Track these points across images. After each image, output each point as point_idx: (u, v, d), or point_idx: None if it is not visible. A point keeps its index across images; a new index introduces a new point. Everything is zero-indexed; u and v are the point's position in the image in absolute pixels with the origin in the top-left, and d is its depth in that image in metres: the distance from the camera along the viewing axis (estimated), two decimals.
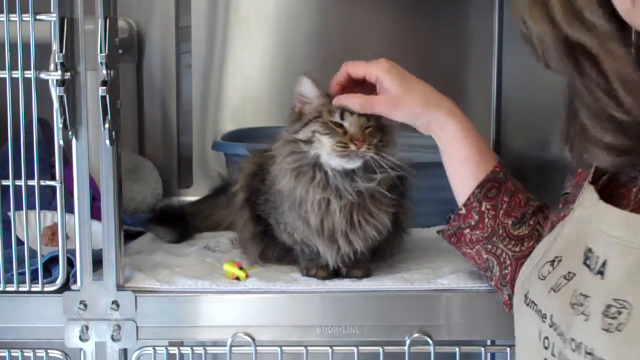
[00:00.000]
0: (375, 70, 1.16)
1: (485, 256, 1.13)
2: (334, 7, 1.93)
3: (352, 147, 1.14)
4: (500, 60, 1.93)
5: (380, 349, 1.22)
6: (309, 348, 1.22)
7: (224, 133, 1.79)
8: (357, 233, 1.20)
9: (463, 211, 1.14)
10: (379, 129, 1.19)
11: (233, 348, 1.19)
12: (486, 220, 1.12)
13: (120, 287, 1.19)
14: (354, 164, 1.16)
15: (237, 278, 1.25)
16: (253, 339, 1.19)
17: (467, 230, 1.14)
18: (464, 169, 1.14)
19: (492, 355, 1.71)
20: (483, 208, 1.12)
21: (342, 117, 1.16)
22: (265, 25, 1.93)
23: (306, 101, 1.21)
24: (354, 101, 1.16)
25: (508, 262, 1.11)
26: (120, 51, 1.17)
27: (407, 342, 1.19)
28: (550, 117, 1.59)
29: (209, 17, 1.91)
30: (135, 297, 1.19)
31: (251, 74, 1.92)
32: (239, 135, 1.75)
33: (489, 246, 1.13)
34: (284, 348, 1.21)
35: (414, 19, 1.93)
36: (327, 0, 1.93)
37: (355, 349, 1.22)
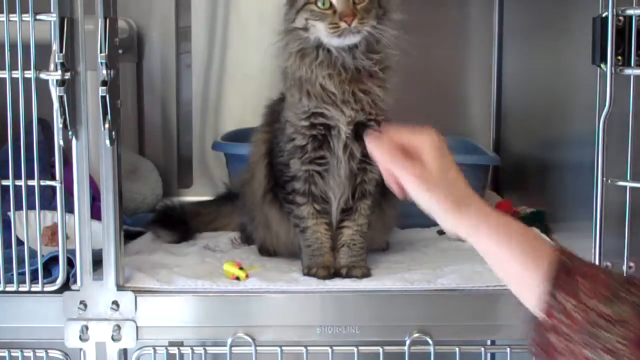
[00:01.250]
0: (421, 141, 1.00)
1: (591, 355, 0.87)
2: None
3: (343, 24, 1.18)
4: (500, 60, 1.93)
5: (380, 349, 1.21)
6: (309, 348, 1.22)
7: (224, 133, 1.79)
8: (356, 101, 1.25)
9: (542, 318, 0.90)
10: (376, 3, 1.22)
11: (233, 348, 1.19)
12: (576, 315, 0.88)
13: (120, 287, 1.19)
14: (352, 39, 1.21)
15: (237, 278, 1.25)
16: (253, 339, 1.19)
17: (554, 337, 0.90)
18: (515, 269, 0.94)
19: (492, 355, 1.72)
20: (568, 307, 0.89)
21: None
22: (265, 25, 1.92)
23: None
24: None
25: (620, 347, 0.86)
26: (120, 51, 1.17)
27: (407, 342, 1.19)
28: (550, 117, 1.59)
29: (209, 17, 1.91)
30: (135, 297, 1.19)
31: (251, 74, 1.92)
32: (239, 135, 1.74)
33: (592, 340, 0.88)
34: (284, 348, 1.21)
35: (413, 19, 1.93)
36: None
37: (355, 349, 1.22)
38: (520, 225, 0.96)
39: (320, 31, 1.21)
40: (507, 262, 0.94)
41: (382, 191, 1.28)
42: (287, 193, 1.30)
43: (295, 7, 1.24)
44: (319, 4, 1.20)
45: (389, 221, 1.41)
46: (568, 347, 0.89)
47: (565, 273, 0.91)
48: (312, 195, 1.29)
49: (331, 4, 1.19)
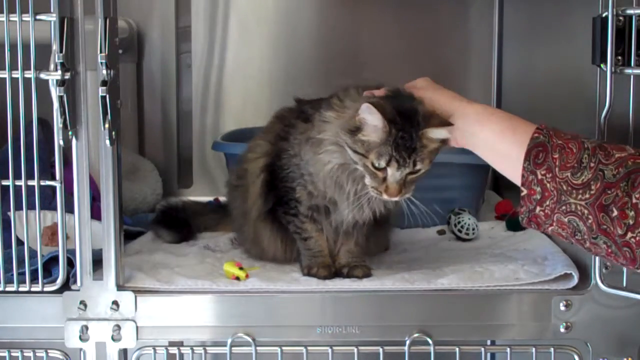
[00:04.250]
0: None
1: (566, 219, 1.06)
2: (334, 7, 1.93)
3: (385, 196, 1.15)
4: (500, 60, 1.93)
5: (380, 349, 1.21)
6: (309, 348, 1.21)
7: (224, 133, 1.79)
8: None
9: (524, 191, 1.09)
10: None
11: (233, 348, 1.19)
12: (548, 185, 1.06)
13: (120, 287, 1.19)
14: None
15: (237, 278, 1.25)
16: (253, 339, 1.19)
17: (538, 208, 1.08)
18: (504, 152, 1.12)
19: (492, 355, 1.72)
20: (540, 176, 1.07)
21: (388, 163, 1.13)
22: (265, 25, 1.93)
23: (365, 126, 1.15)
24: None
25: (586, 212, 1.03)
26: (120, 51, 1.17)
27: (407, 342, 1.19)
28: (550, 117, 1.59)
29: (209, 17, 1.91)
30: (135, 297, 1.19)
31: (251, 74, 1.92)
32: (239, 135, 1.74)
33: (564, 207, 1.06)
34: (284, 348, 1.21)
35: (414, 19, 1.93)
36: (327, 0, 1.93)
37: (355, 349, 1.22)
38: (504, 114, 1.15)
39: (365, 179, 1.17)
40: (494, 150, 1.13)
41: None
42: (290, 208, 1.29)
43: (356, 140, 1.15)
44: (375, 163, 1.14)
45: (387, 230, 1.41)
46: (550, 215, 1.07)
47: (541, 149, 1.07)
48: (315, 219, 1.29)
49: (385, 174, 1.15)
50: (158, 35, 1.90)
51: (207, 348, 1.23)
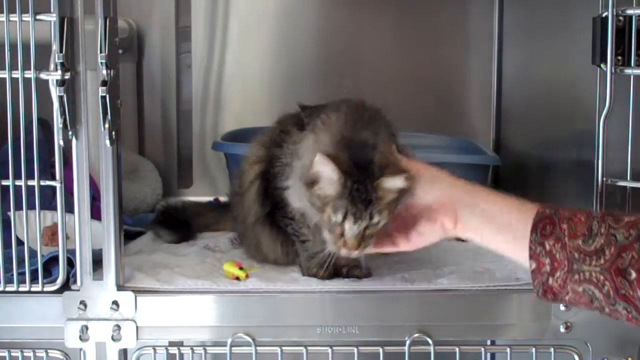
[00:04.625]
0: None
1: (580, 289, 1.02)
2: (334, 7, 1.93)
3: (344, 252, 1.12)
4: (500, 60, 1.93)
5: (380, 349, 1.21)
6: (309, 348, 1.21)
7: (224, 133, 1.79)
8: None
9: (533, 265, 1.04)
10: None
11: (233, 348, 1.19)
12: (557, 255, 1.03)
13: (120, 287, 1.19)
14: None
15: (237, 278, 1.25)
16: (253, 339, 1.19)
17: (551, 279, 1.04)
18: (511, 238, 1.08)
19: (492, 355, 1.72)
20: (548, 247, 1.03)
21: (344, 217, 1.09)
22: (265, 25, 1.93)
23: (321, 179, 1.11)
24: None
25: (602, 278, 0.99)
26: (120, 51, 1.17)
27: (407, 342, 1.19)
28: (550, 117, 1.59)
29: (209, 17, 1.91)
30: (135, 297, 1.19)
31: (251, 74, 1.93)
32: (239, 135, 1.75)
33: (576, 276, 1.02)
34: (284, 348, 1.21)
35: (414, 19, 1.93)
36: (327, 0, 1.93)
37: (355, 349, 1.22)
38: (502, 202, 1.10)
39: (324, 233, 1.14)
40: (500, 243, 1.09)
41: None
42: (287, 212, 1.27)
43: (313, 194, 1.11)
44: (332, 218, 1.10)
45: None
46: (564, 286, 1.03)
47: (548, 221, 1.04)
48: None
49: (343, 228, 1.10)
50: (158, 35, 1.90)
51: (207, 348, 1.23)
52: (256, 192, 1.31)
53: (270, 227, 1.32)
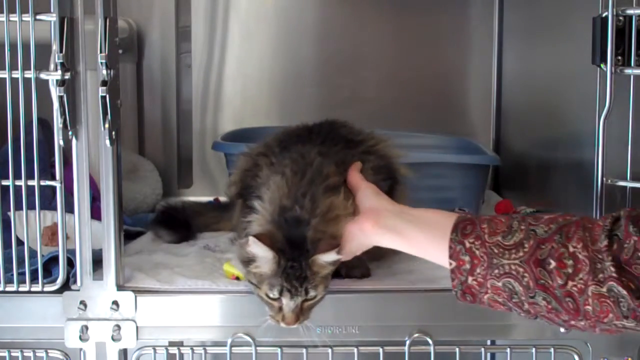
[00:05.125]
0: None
1: (500, 283, 1.02)
2: (334, 7, 1.93)
3: (283, 325, 1.12)
4: (500, 60, 1.93)
5: (380, 349, 1.22)
6: (309, 348, 1.22)
7: (224, 133, 1.79)
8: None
9: (453, 263, 1.05)
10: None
11: (233, 348, 1.19)
12: (477, 252, 1.03)
13: (120, 287, 1.19)
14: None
15: (237, 278, 1.25)
16: (253, 339, 1.19)
17: (470, 278, 1.04)
18: (431, 237, 1.09)
19: (492, 355, 1.72)
20: (468, 245, 1.04)
21: (280, 294, 1.11)
22: (265, 25, 1.93)
23: (257, 258, 1.13)
24: None
25: (521, 270, 1.00)
26: (120, 51, 1.17)
27: (407, 342, 1.19)
28: (550, 117, 1.59)
29: (209, 17, 1.91)
30: (135, 297, 1.19)
31: (251, 74, 1.93)
32: (239, 135, 1.75)
33: (496, 270, 1.02)
34: (284, 348, 1.21)
35: (414, 19, 1.94)
36: (327, 0, 1.93)
37: (355, 349, 1.22)
38: (425, 209, 1.12)
39: (265, 308, 1.14)
40: (422, 243, 1.09)
41: None
42: None
43: (250, 271, 1.13)
44: (269, 294, 1.12)
45: None
46: (483, 283, 1.03)
47: (469, 222, 1.06)
48: None
49: (280, 303, 1.12)
50: (158, 35, 1.90)
51: (207, 348, 1.23)
52: (240, 209, 1.32)
53: None
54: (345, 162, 1.23)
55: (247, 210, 1.22)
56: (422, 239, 1.09)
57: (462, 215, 1.08)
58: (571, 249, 0.97)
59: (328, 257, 1.11)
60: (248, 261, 1.13)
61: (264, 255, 1.11)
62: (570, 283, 0.97)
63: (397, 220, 1.11)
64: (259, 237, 1.10)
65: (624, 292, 0.93)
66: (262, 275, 1.12)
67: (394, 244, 1.13)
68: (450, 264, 1.05)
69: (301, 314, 1.12)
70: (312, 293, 1.12)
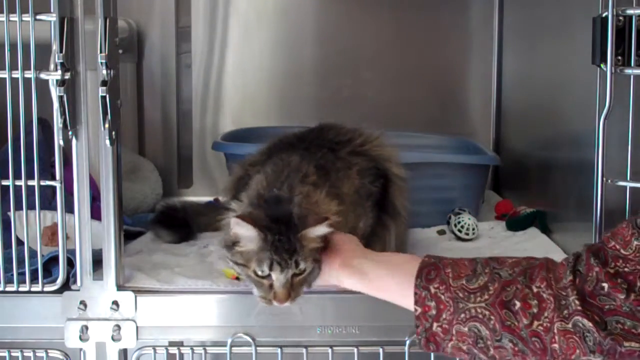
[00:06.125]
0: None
1: (466, 328, 1.00)
2: (334, 7, 1.93)
3: (275, 303, 1.11)
4: (500, 60, 1.93)
5: (380, 349, 1.22)
6: (309, 348, 1.22)
7: (224, 133, 1.79)
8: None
9: (418, 309, 1.03)
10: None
11: (233, 348, 1.19)
12: (442, 297, 1.01)
13: (120, 287, 1.19)
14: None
15: (237, 278, 1.25)
16: (253, 339, 1.19)
17: (435, 324, 1.02)
18: (398, 279, 1.07)
19: None
20: (433, 291, 1.02)
21: (270, 268, 1.08)
22: (265, 25, 1.93)
23: (241, 239, 1.12)
24: None
25: (487, 313, 0.99)
26: (120, 51, 1.17)
27: (407, 342, 1.19)
28: (550, 117, 1.59)
29: (209, 17, 1.91)
30: (135, 297, 1.19)
31: (251, 74, 1.93)
32: (239, 135, 1.75)
33: (462, 315, 1.00)
34: (284, 348, 1.21)
35: (414, 19, 1.94)
36: (327, 0, 1.93)
37: (355, 349, 1.22)
38: (392, 253, 1.16)
39: (253, 290, 1.12)
40: (387, 285, 1.08)
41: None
42: None
43: (235, 253, 1.12)
44: (257, 271, 1.09)
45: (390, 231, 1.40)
46: (448, 329, 1.01)
47: (433, 267, 1.04)
48: None
49: (270, 280, 1.10)
50: (158, 35, 1.90)
51: (207, 348, 1.23)
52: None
53: None
54: (326, 167, 1.23)
55: (225, 211, 1.21)
56: (389, 280, 1.08)
57: (426, 260, 1.06)
58: (535, 289, 0.97)
59: (318, 231, 1.10)
60: (232, 244, 1.12)
61: (248, 234, 1.09)
62: (535, 323, 0.96)
63: (367, 264, 1.10)
64: (241, 217, 1.09)
65: (590, 324, 0.92)
66: (249, 253, 1.10)
67: (360, 285, 1.10)
68: (416, 310, 1.03)
69: (292, 289, 1.10)
70: (302, 265, 1.09)
